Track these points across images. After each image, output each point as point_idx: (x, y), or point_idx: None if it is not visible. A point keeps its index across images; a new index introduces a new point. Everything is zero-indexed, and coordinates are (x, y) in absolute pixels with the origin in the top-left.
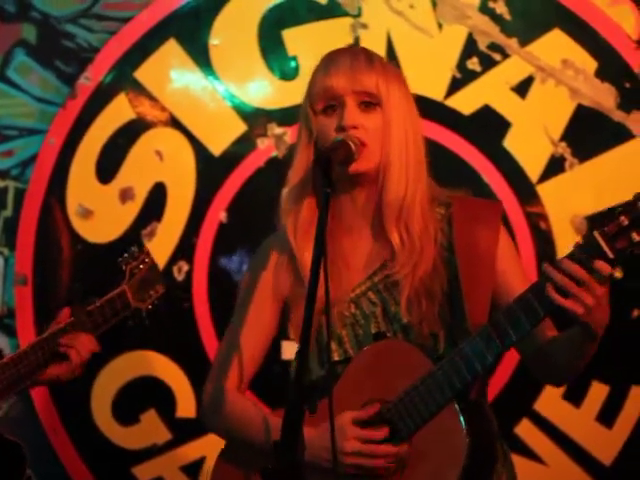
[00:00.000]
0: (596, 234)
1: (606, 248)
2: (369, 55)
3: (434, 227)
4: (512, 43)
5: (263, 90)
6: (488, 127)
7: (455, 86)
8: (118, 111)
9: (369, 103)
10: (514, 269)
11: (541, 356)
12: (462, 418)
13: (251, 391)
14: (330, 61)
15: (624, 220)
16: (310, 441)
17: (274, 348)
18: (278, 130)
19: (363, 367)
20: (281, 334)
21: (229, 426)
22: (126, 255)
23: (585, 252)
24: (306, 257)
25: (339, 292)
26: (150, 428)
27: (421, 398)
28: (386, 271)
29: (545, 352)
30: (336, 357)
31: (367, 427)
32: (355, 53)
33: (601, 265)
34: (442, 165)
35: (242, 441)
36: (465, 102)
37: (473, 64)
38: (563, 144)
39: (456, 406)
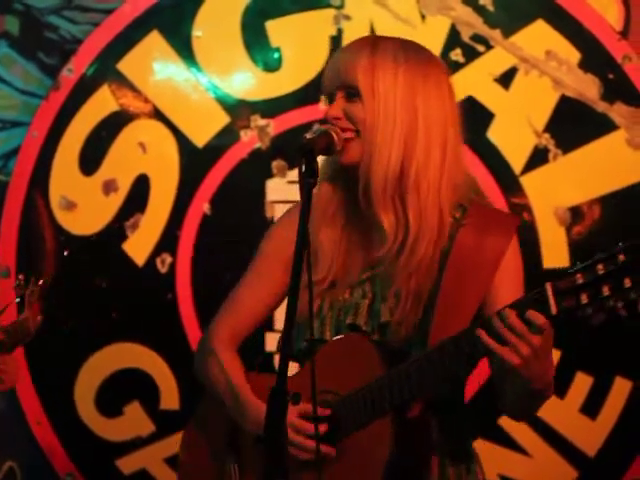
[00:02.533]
0: (547, 286)
1: (552, 302)
2: (361, 45)
3: (435, 221)
4: (495, 34)
5: (246, 81)
6: (472, 118)
7: None
8: (101, 103)
9: (353, 94)
10: (510, 291)
11: (500, 390)
12: (392, 435)
13: None
14: (330, 59)
15: (579, 278)
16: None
17: (258, 340)
18: (261, 122)
19: (329, 355)
20: (265, 326)
21: (208, 378)
22: (19, 282)
23: (532, 301)
24: (320, 239)
25: (344, 276)
26: (134, 420)
27: (363, 402)
28: (386, 264)
29: (502, 388)
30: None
31: (311, 420)
32: (348, 47)
33: (532, 315)
34: None
35: (214, 395)
36: None
37: (456, 55)
38: (547, 135)
39: (390, 421)
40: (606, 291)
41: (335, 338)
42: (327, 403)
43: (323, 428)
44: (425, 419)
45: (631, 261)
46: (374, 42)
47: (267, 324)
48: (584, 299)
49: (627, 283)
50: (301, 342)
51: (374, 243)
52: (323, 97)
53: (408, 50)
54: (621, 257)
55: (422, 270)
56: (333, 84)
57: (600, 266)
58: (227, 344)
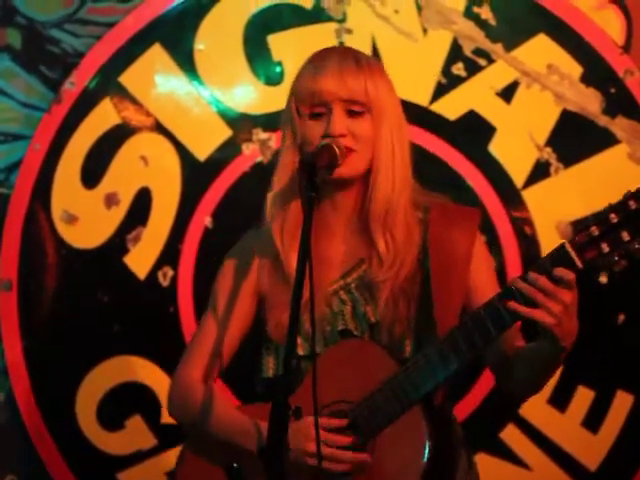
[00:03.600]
0: (566, 244)
1: (576, 258)
2: (357, 58)
3: (417, 231)
4: (497, 48)
5: (248, 95)
6: (473, 132)
7: (440, 91)
8: (103, 116)
9: (357, 111)
10: (487, 277)
11: (506, 367)
12: (425, 421)
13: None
14: (318, 63)
15: (595, 230)
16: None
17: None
18: (263, 135)
19: (329, 365)
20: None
21: (189, 415)
22: None
23: (555, 262)
24: (292, 259)
25: (315, 291)
26: (135, 434)
27: (385, 400)
28: (360, 271)
29: (510, 363)
30: (301, 352)
31: (334, 432)
32: (344, 56)
33: (562, 271)
34: (427, 170)
35: (201, 432)
36: (450, 107)
37: (458, 69)
38: (548, 149)
39: (420, 409)
40: (626, 236)
41: (331, 347)
42: (343, 413)
43: (348, 439)
44: (446, 405)
45: None
46: (364, 57)
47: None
48: (605, 248)
49: None
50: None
51: (347, 255)
52: (304, 105)
53: (378, 64)
54: (632, 203)
55: (409, 275)
56: (334, 94)
57: (613, 215)
58: (204, 382)
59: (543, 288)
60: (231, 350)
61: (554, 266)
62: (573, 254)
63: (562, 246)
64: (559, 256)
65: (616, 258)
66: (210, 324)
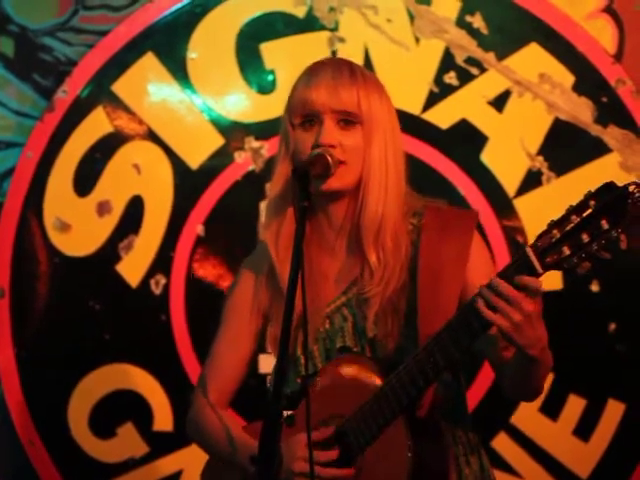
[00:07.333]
0: (527, 249)
1: (535, 262)
2: (352, 69)
3: (405, 241)
4: (489, 57)
5: (241, 103)
6: (465, 141)
7: (432, 100)
8: (95, 124)
9: (349, 121)
10: (484, 276)
11: (501, 377)
12: (407, 435)
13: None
14: (311, 74)
15: (556, 233)
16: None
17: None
18: (255, 144)
19: (326, 382)
20: (258, 348)
21: (203, 440)
22: None
23: (517, 267)
24: (287, 270)
25: (315, 307)
26: (127, 441)
27: (371, 414)
28: (358, 287)
29: (502, 374)
30: (304, 371)
31: (320, 447)
32: (337, 67)
33: (527, 280)
34: (419, 179)
35: (215, 456)
36: (442, 116)
37: (450, 78)
38: (540, 158)
39: (403, 422)
40: (585, 238)
41: (329, 364)
42: (332, 430)
43: (334, 454)
44: (435, 418)
45: (603, 203)
46: (359, 68)
47: (260, 347)
48: (566, 251)
49: (604, 224)
50: (294, 381)
51: (344, 270)
52: (295, 115)
53: (375, 78)
54: (592, 202)
55: (397, 288)
56: (326, 104)
57: (574, 216)
58: (217, 405)
59: (505, 295)
60: (239, 373)
61: (516, 272)
62: (533, 259)
63: (524, 251)
64: (521, 261)
65: (575, 260)
66: (217, 350)
